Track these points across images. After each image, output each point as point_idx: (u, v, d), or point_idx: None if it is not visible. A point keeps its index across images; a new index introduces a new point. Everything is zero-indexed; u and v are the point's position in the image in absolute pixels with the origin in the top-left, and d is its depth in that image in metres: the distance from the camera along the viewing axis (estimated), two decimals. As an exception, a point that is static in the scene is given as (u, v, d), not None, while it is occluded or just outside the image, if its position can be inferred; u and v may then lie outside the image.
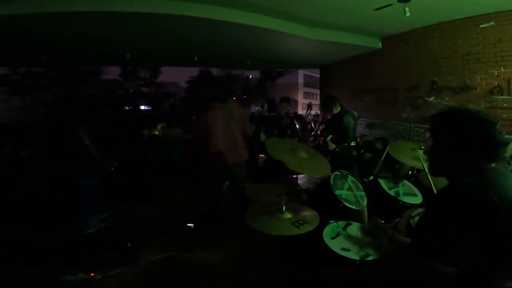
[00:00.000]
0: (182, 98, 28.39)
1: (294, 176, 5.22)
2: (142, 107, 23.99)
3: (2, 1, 3.69)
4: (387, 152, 2.39)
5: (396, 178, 2.47)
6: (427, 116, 5.39)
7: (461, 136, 1.03)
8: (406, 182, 2.50)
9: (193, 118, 2.94)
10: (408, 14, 4.19)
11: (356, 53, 7.01)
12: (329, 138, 3.96)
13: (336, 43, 6.04)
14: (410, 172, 3.65)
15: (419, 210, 2.21)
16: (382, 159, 2.33)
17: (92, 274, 2.16)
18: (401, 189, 2.35)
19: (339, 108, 4.08)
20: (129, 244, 2.49)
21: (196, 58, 7.86)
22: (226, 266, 2.49)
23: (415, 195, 2.39)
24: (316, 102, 13.11)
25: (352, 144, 4.05)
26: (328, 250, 1.72)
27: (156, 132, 5.47)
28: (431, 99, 5.37)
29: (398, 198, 2.25)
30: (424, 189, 2.40)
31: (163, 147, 5.34)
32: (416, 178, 2.66)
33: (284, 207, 1.80)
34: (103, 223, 3.14)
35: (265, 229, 1.69)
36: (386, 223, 2.33)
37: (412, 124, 5.71)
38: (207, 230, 3.05)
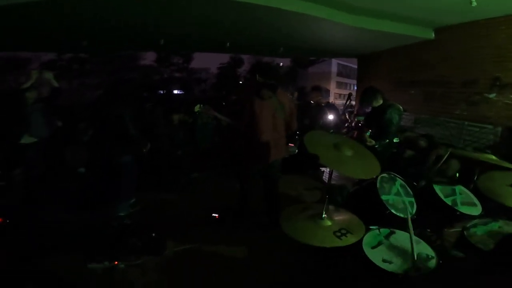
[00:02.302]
0: (213, 84, 28.78)
1: (323, 169, 4.95)
2: (175, 92, 24.76)
3: None
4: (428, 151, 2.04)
5: (452, 184, 2.13)
6: (485, 114, 4.84)
7: None
8: (463, 189, 2.16)
9: (239, 105, 2.76)
10: (474, 4, 3.90)
11: (404, 43, 6.46)
12: (368, 133, 3.61)
13: (382, 32, 5.56)
14: (457, 174, 3.23)
15: (476, 221, 1.90)
16: (440, 163, 2.01)
17: (116, 263, 2.14)
18: (458, 198, 2.03)
19: (380, 101, 3.68)
20: (153, 234, 2.45)
21: (228, 44, 7.75)
22: (249, 261, 2.38)
23: (474, 204, 2.06)
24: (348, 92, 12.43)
25: (395, 140, 3.67)
26: (367, 261, 1.51)
27: (185, 118, 5.43)
28: (492, 95, 4.82)
29: (456, 207, 1.93)
30: (484, 198, 2.06)
31: (193, 133, 5.30)
32: (475, 184, 2.28)
33: (324, 214, 1.58)
34: (132, 208, 3.18)
35: (303, 238, 1.48)
36: (432, 233, 2.05)
37: (466, 122, 5.20)
38: (232, 223, 2.96)
